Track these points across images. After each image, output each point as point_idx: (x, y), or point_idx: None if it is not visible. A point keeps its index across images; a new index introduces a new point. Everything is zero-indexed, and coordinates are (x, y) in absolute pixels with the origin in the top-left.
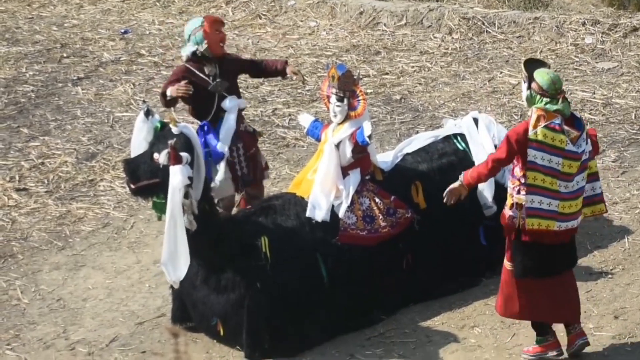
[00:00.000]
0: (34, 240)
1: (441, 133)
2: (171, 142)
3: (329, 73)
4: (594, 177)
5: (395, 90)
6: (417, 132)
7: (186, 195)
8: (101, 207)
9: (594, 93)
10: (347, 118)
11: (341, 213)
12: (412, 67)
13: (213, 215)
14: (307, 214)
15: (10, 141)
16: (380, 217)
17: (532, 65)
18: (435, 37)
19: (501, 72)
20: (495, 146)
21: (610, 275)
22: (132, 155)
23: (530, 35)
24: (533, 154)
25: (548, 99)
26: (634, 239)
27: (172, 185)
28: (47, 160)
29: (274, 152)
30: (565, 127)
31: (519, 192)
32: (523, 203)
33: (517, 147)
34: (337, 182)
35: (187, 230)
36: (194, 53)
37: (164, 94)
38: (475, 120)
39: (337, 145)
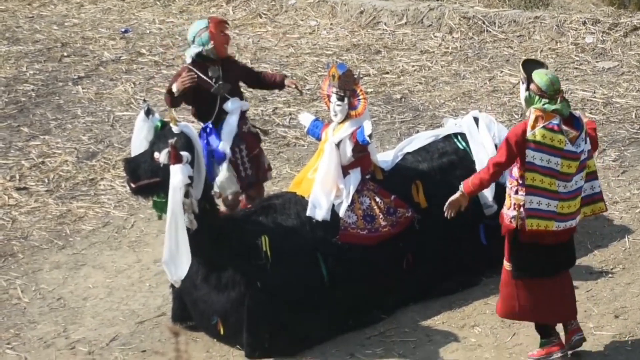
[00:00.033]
0: (35, 239)
1: (441, 132)
2: (172, 141)
3: (329, 72)
4: (592, 175)
5: (396, 90)
6: (418, 132)
7: (187, 195)
8: (101, 206)
9: (595, 92)
10: (347, 117)
11: (341, 212)
12: (413, 66)
13: (213, 215)
14: (308, 213)
15: (10, 140)
16: (381, 216)
17: (530, 66)
18: (435, 36)
19: (501, 72)
20: (496, 145)
21: (610, 275)
22: (133, 155)
23: (530, 35)
24: (531, 155)
25: (547, 100)
26: (634, 239)
27: (173, 185)
28: (48, 160)
29: (275, 151)
30: (564, 127)
31: (517, 192)
32: (521, 203)
33: (516, 149)
34: (338, 181)
35: (188, 230)
36: (198, 54)
37: (169, 92)
38: (476, 120)
39: (338, 145)
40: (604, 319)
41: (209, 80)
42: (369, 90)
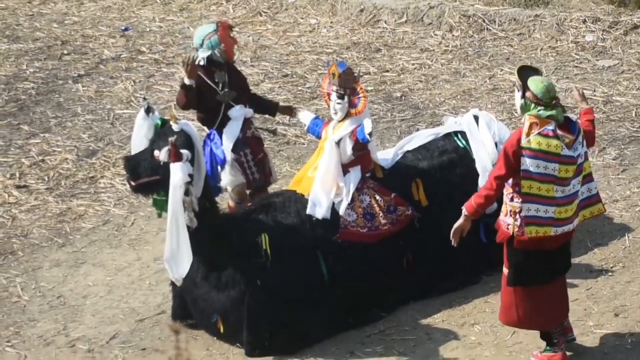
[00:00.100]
0: (34, 237)
1: (442, 130)
2: (172, 139)
3: (329, 70)
4: (588, 178)
5: (396, 88)
6: (418, 130)
7: (187, 193)
8: (101, 204)
9: (595, 91)
10: (347, 115)
11: (341, 210)
12: (413, 64)
13: (213, 213)
14: (308, 211)
15: (10, 138)
16: (381, 214)
17: (525, 72)
18: (435, 35)
19: (502, 70)
20: (496, 144)
21: (610, 273)
22: (133, 153)
23: (530, 33)
24: (527, 163)
25: (542, 107)
26: (634, 237)
27: (173, 183)
28: (48, 158)
29: (275, 150)
30: (560, 132)
31: (512, 199)
32: (517, 210)
33: (513, 159)
34: (338, 179)
35: (188, 228)
36: (208, 58)
37: (183, 87)
38: (476, 118)
39: (338, 143)
40: (604, 317)
41: (215, 87)
42: (369, 88)
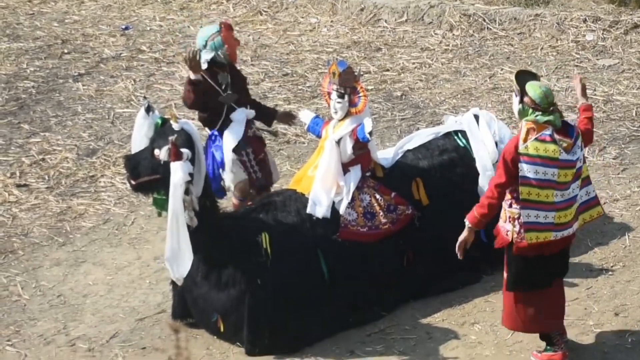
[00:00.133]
0: (35, 236)
1: (442, 130)
2: (172, 138)
3: (329, 69)
4: (586, 181)
5: (396, 87)
6: (418, 129)
7: (187, 192)
8: (102, 203)
9: (595, 90)
10: (347, 114)
11: (342, 209)
12: (413, 63)
13: (214, 212)
14: (308, 210)
15: (11, 137)
16: (381, 213)
17: (523, 77)
18: (436, 34)
19: (502, 69)
20: (496, 143)
21: (610, 272)
22: (133, 152)
23: (531, 32)
24: (525, 168)
25: (540, 112)
26: (634, 236)
27: (173, 182)
28: (48, 156)
29: (275, 149)
30: (557, 137)
31: (510, 205)
32: (516, 217)
33: (512, 165)
34: (338, 178)
35: (188, 227)
36: (212, 59)
37: (189, 82)
38: (476, 117)
39: (338, 142)
40: (604, 316)
41: (218, 88)
42: (370, 87)
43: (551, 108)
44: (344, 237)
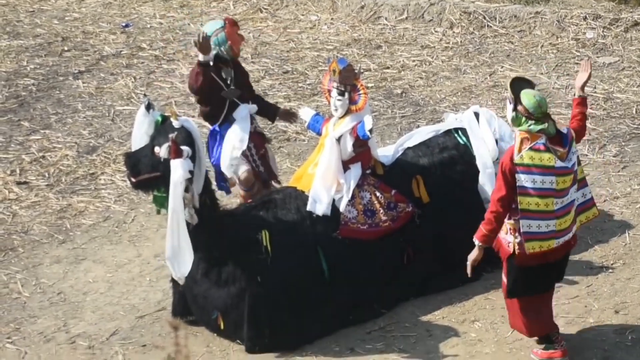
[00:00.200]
0: (35, 233)
1: (442, 127)
2: (172, 135)
3: (330, 67)
4: (582, 183)
5: (396, 84)
6: (418, 126)
7: (187, 189)
8: (102, 200)
9: (595, 87)
10: (348, 112)
11: (342, 207)
12: (413, 61)
13: (214, 209)
14: (308, 207)
15: (11, 134)
16: (381, 211)
17: (518, 85)
18: (436, 31)
19: (502, 67)
20: (497, 141)
21: (610, 270)
22: (133, 149)
23: (531, 30)
24: (522, 178)
25: (533, 121)
26: (634, 234)
27: (173, 179)
28: (48, 154)
29: (275, 146)
30: (551, 146)
31: (509, 217)
32: (516, 228)
33: (510, 176)
34: (338, 176)
35: (188, 224)
36: (215, 55)
37: (199, 64)
38: (476, 115)
39: (338, 139)
40: (604, 314)
41: (222, 83)
42: (370, 85)
43: (544, 118)
44: (344, 234)
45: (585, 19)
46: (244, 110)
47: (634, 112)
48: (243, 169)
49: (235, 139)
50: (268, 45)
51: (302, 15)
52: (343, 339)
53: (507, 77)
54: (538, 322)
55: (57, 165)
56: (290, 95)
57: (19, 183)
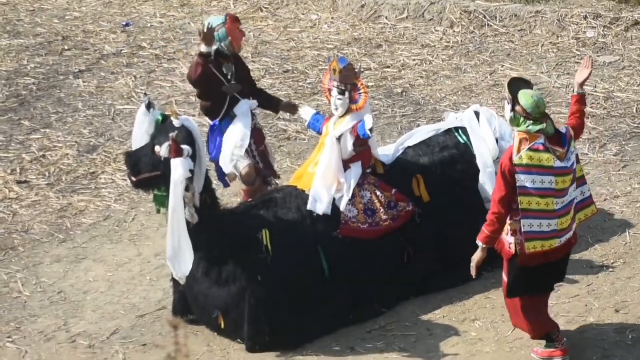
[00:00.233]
0: (35, 232)
1: (442, 126)
2: (172, 134)
3: (330, 66)
4: (581, 180)
5: (397, 84)
6: (418, 125)
7: (187, 188)
8: (102, 199)
9: (595, 86)
10: (348, 111)
11: (342, 206)
12: (414, 60)
13: (214, 208)
14: (308, 206)
15: (11, 133)
16: (382, 210)
17: (516, 85)
18: (436, 30)
19: (502, 66)
20: (497, 140)
21: (611, 269)
22: (133, 148)
23: (531, 29)
24: (522, 178)
25: (531, 122)
26: (635, 233)
27: (174, 178)
28: (48, 153)
29: (275, 145)
30: (550, 146)
31: (510, 217)
32: (517, 228)
33: (510, 177)
34: (338, 175)
35: (188, 223)
36: (216, 50)
37: (201, 55)
38: (477, 114)
39: (339, 138)
40: (604, 313)
41: (222, 78)
42: (370, 84)
43: (542, 118)
44: (344, 233)
45: (585, 18)
46: (245, 106)
47: (634, 111)
48: (244, 164)
49: (238, 137)
50: (268, 44)
51: (303, 14)
52: (343, 338)
53: (507, 76)
54: (539, 322)
55: (57, 164)
56: (291, 94)
57: (19, 182)
